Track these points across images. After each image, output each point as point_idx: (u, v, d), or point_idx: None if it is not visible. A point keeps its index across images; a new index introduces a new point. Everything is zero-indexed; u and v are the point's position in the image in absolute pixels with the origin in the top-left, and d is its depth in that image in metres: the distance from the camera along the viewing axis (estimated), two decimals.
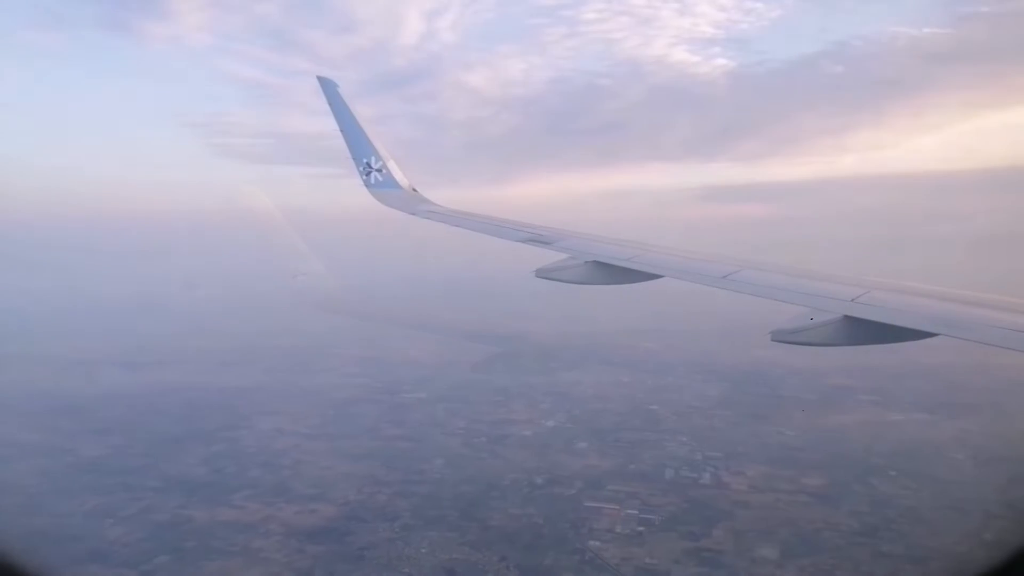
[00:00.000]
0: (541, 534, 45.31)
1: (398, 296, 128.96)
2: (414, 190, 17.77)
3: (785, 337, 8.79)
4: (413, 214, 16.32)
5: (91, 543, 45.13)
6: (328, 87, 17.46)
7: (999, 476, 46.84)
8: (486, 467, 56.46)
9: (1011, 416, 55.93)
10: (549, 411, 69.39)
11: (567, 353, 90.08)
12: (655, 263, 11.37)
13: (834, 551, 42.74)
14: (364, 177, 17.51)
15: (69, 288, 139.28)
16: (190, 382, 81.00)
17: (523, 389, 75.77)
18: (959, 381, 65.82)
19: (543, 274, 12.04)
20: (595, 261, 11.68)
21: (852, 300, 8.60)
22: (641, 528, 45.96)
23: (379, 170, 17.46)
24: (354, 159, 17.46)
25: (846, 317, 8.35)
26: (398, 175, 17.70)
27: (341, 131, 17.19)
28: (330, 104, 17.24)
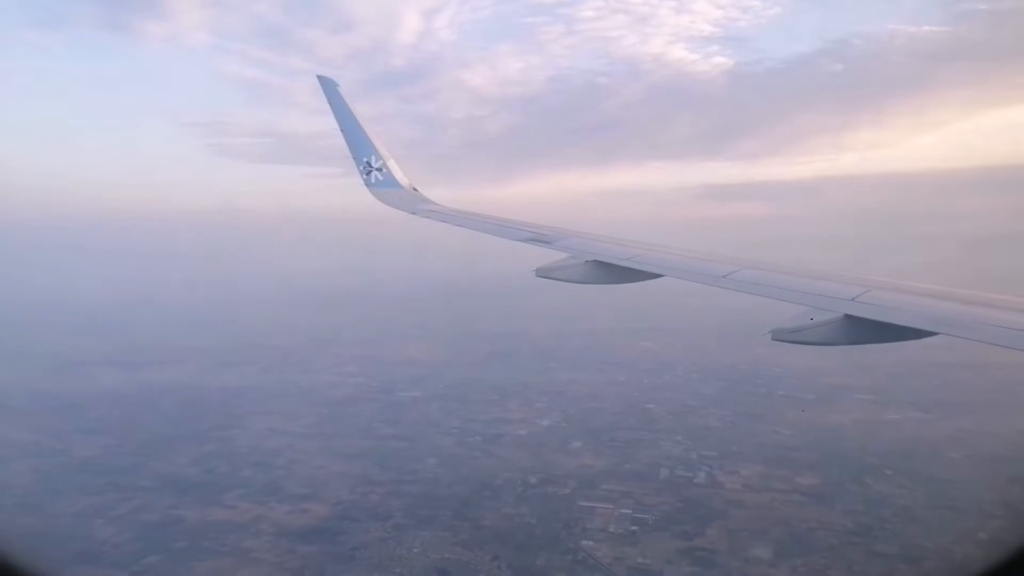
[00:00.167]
0: (534, 534, 45.38)
1: (398, 295, 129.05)
2: (414, 189, 17.70)
3: (785, 336, 8.80)
4: (413, 213, 16.23)
5: (81, 544, 44.98)
6: (328, 86, 17.38)
7: (995, 475, 47.12)
8: (480, 466, 56.51)
9: (1008, 415, 56.23)
10: (544, 410, 69.52)
11: (565, 352, 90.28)
12: (655, 262, 11.35)
13: (828, 551, 42.87)
14: (364, 176, 17.44)
15: (67, 287, 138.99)
16: (186, 381, 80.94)
17: (519, 388, 75.93)
18: (956, 380, 66.16)
19: (543, 273, 12.00)
20: (595, 260, 11.63)
21: (852, 299, 8.60)
22: (634, 527, 46.11)
23: (379, 169, 17.39)
24: (354, 158, 17.38)
25: (846, 316, 8.36)
26: (398, 174, 17.63)
27: (341, 130, 17.11)
28: (330, 103, 17.16)
